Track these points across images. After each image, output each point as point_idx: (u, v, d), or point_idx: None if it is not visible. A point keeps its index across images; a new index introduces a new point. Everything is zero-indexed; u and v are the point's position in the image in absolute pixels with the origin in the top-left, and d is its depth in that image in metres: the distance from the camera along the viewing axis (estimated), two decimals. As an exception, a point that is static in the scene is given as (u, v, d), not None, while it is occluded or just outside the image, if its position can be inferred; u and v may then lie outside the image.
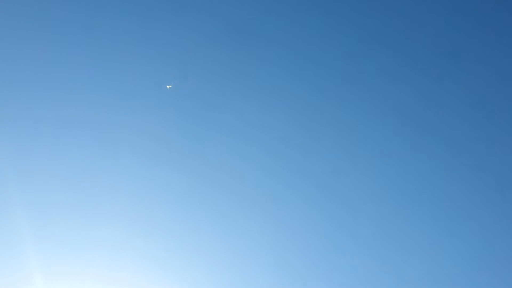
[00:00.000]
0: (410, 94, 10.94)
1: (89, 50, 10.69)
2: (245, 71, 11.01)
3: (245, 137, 11.03)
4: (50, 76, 10.66)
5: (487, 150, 10.46)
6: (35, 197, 10.07)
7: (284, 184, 10.99)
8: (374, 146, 10.89)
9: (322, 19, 11.11)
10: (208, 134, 10.92)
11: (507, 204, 10.05)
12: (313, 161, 10.99)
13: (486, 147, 10.47)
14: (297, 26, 11.09)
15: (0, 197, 9.91)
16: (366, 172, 10.79)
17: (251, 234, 10.55)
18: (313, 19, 11.10)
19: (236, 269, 10.22)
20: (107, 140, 10.69)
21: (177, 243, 10.27)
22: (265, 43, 11.14)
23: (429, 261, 10.22)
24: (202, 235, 10.37)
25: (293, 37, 11.10)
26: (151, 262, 10.13)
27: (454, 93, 10.71)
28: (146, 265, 10.09)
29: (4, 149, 10.13)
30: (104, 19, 10.78)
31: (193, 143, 10.87)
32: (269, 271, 10.35)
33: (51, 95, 10.65)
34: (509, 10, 10.47)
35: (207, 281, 10.00)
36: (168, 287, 9.85)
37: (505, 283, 9.71)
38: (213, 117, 10.91)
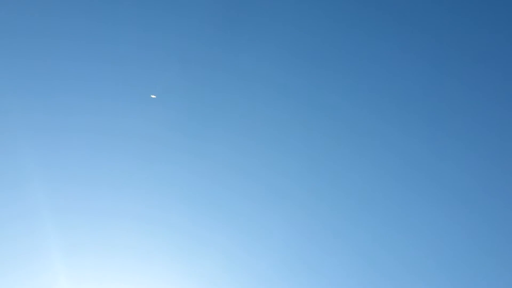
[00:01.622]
0: (415, 81, 10.92)
1: (81, 51, 10.61)
2: (244, 63, 10.98)
3: (249, 131, 10.99)
4: (51, 79, 10.60)
5: (496, 137, 10.47)
6: (57, 202, 10.21)
7: (292, 177, 10.99)
8: (382, 136, 10.89)
9: (320, 6, 11.08)
10: (212, 130, 10.89)
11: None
12: (320, 153, 11.00)
13: (495, 134, 10.48)
14: (296, 15, 11.03)
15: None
16: (376, 163, 10.79)
17: (263, 229, 10.61)
18: (310, 7, 11.05)
19: (253, 266, 10.34)
20: (111, 142, 10.68)
21: (193, 242, 10.42)
22: (264, 34, 11.03)
23: (445, 250, 10.30)
24: (217, 233, 10.46)
25: (293, 27, 10.99)
26: (168, 263, 10.29)
27: (461, 80, 10.69)
28: (164, 265, 10.27)
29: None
30: (93, 19, 10.67)
31: (199, 140, 10.83)
32: (282, 266, 10.41)
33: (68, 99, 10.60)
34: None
35: (226, 279, 10.18)
36: (189, 285, 10.12)
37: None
38: (215, 112, 10.88)
